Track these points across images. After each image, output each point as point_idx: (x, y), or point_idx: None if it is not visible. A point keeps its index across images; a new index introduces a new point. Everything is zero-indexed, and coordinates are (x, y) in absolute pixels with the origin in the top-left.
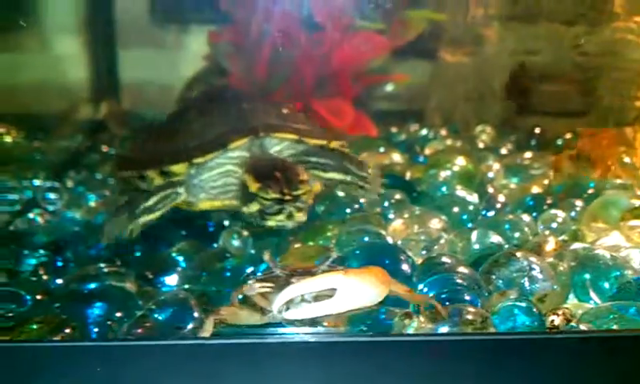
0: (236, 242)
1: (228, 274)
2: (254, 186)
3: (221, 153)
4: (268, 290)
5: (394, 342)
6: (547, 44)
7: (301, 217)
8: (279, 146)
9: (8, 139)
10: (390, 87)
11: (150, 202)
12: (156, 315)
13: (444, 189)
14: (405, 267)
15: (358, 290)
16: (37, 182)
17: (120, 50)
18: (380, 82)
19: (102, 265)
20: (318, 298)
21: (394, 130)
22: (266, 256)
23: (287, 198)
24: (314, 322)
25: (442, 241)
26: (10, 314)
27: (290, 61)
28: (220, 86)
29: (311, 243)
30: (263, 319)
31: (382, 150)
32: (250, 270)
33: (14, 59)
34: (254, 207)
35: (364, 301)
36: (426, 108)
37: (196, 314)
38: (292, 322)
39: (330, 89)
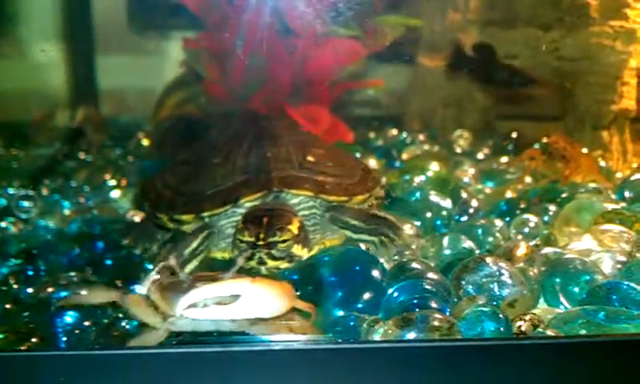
0: None
1: None
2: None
3: (232, 207)
4: (169, 294)
5: (366, 348)
6: (524, 48)
7: (278, 264)
8: (297, 199)
9: None
10: (369, 93)
11: (194, 244)
12: (124, 324)
13: (418, 194)
14: (375, 273)
15: (262, 299)
16: (11, 190)
17: (98, 57)
18: (355, 88)
19: (73, 273)
20: (220, 304)
21: (371, 135)
22: (172, 261)
23: (259, 243)
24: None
25: (414, 246)
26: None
27: (265, 67)
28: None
29: None
30: (161, 322)
31: (358, 155)
32: None
33: None
34: (235, 251)
35: (266, 311)
36: (404, 113)
37: None
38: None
39: (306, 95)
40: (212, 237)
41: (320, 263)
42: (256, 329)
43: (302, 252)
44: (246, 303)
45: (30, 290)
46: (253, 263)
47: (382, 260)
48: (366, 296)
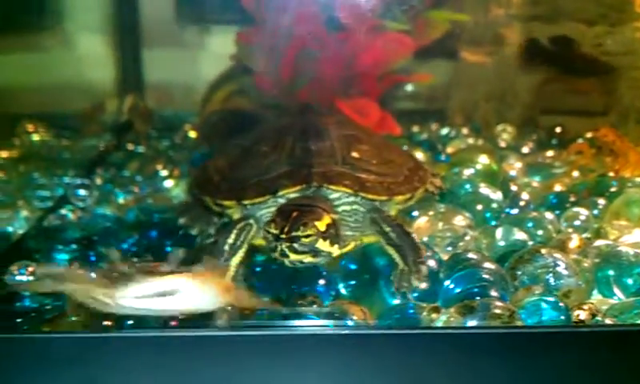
0: None
1: (258, 268)
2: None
3: (271, 197)
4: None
5: (415, 334)
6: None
7: (301, 258)
8: (338, 194)
9: (36, 137)
10: (410, 87)
11: (231, 238)
12: None
13: (467, 187)
14: (431, 263)
15: (197, 294)
16: (66, 179)
17: (145, 50)
18: (404, 81)
19: (135, 260)
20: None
21: (415, 129)
22: (114, 254)
23: (282, 236)
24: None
25: (468, 238)
26: (48, 308)
27: (315, 61)
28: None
29: None
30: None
31: (405, 148)
32: None
33: (41, 59)
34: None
35: (200, 305)
36: (447, 107)
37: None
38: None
39: (355, 88)
40: (249, 229)
41: (376, 253)
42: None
43: (330, 248)
44: (182, 297)
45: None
46: (276, 255)
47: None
48: (422, 285)
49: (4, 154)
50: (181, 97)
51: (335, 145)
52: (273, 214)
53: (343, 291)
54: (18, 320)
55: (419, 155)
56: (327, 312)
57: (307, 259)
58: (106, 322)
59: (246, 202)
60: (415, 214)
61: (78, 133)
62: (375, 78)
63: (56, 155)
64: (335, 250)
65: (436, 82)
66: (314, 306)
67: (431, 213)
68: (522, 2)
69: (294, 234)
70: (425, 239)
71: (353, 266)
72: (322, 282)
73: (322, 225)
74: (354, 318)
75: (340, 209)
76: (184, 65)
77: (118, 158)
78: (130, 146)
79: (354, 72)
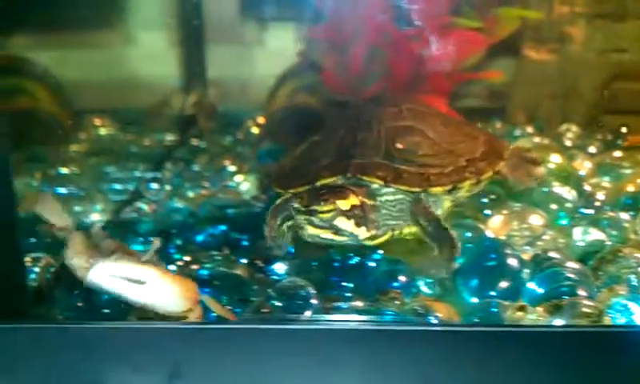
0: None
1: (336, 264)
2: None
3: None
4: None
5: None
6: (635, 42)
7: (319, 232)
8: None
9: (103, 131)
10: (471, 84)
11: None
12: (274, 301)
13: (540, 186)
14: (512, 262)
15: (164, 291)
16: (137, 173)
17: (209, 46)
18: (474, 79)
19: (215, 252)
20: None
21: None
22: (95, 229)
23: (302, 208)
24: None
25: (546, 237)
26: None
27: (385, 58)
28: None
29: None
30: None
31: None
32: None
33: (106, 55)
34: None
35: (164, 304)
36: (509, 105)
37: (314, 301)
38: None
39: (424, 86)
40: (288, 217)
41: None
42: None
43: (355, 229)
44: (148, 290)
45: (172, 268)
46: (296, 228)
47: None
48: (504, 284)
49: (74, 147)
50: (243, 93)
51: (381, 135)
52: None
53: (425, 289)
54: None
55: None
56: (410, 309)
57: (326, 235)
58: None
59: (290, 191)
60: (487, 212)
61: (142, 128)
62: (445, 75)
63: (124, 149)
64: (363, 233)
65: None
66: (396, 302)
67: (505, 211)
68: (587, 0)
69: (313, 207)
70: (502, 237)
71: None
72: (402, 278)
73: (345, 203)
74: (439, 315)
75: (383, 198)
76: (246, 61)
77: (183, 153)
78: (194, 142)
79: (424, 69)
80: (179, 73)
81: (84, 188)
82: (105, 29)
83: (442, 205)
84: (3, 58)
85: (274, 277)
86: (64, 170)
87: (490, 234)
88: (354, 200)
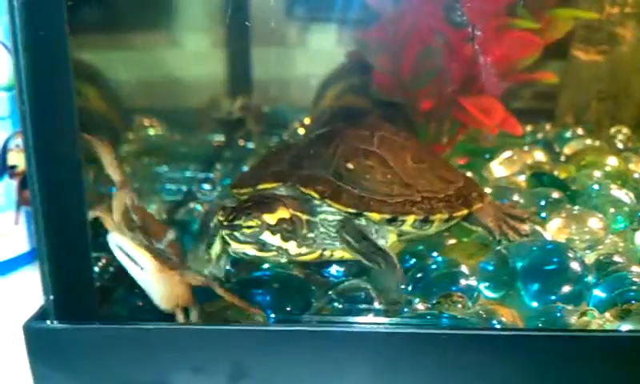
0: None
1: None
2: None
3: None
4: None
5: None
6: None
7: (243, 248)
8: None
9: (152, 132)
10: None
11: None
12: (336, 304)
13: (597, 188)
14: (574, 266)
15: (153, 286)
16: (188, 173)
17: (255, 47)
18: (527, 80)
19: None
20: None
21: (528, 128)
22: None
23: (225, 223)
24: None
25: (607, 241)
26: None
27: (438, 59)
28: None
29: (466, 240)
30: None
31: (526, 148)
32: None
33: (154, 56)
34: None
35: (152, 296)
36: (557, 107)
37: (376, 304)
38: None
39: (477, 87)
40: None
41: (515, 254)
42: None
43: (283, 244)
44: (144, 279)
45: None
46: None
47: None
48: (566, 288)
49: (124, 147)
50: (289, 94)
51: (337, 154)
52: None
53: (487, 293)
54: None
55: (539, 155)
56: (474, 313)
57: (251, 250)
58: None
59: (233, 192)
60: (543, 215)
61: (189, 129)
62: (498, 76)
63: (173, 150)
64: (293, 248)
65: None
66: (459, 306)
67: (564, 215)
68: (637, 1)
69: (236, 222)
70: (562, 241)
71: (489, 267)
72: (462, 282)
73: (272, 217)
74: (503, 319)
75: (322, 216)
76: (292, 62)
77: (231, 154)
78: (241, 143)
79: (478, 70)
80: (226, 74)
81: (137, 188)
82: (153, 30)
83: (387, 236)
84: None
85: (332, 278)
86: None
87: (548, 236)
88: (282, 213)
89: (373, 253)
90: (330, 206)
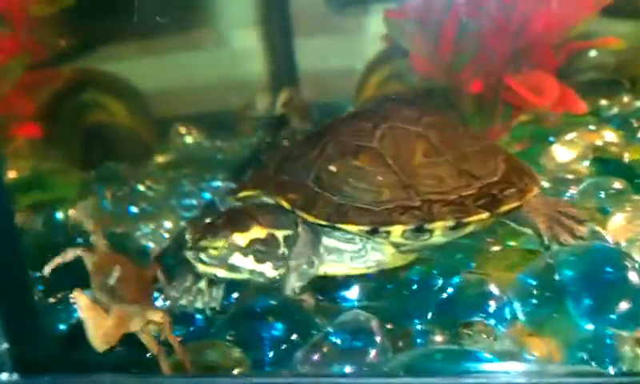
0: None
1: (415, 286)
2: None
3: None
4: None
5: None
6: None
7: (212, 270)
8: None
9: (189, 140)
10: (591, 55)
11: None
12: (334, 339)
13: None
14: (632, 276)
15: (88, 325)
16: (216, 184)
17: (297, 40)
18: (586, 48)
19: None
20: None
21: (603, 102)
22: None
23: (189, 244)
24: None
25: None
26: None
27: (479, 33)
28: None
29: (513, 243)
30: None
31: (591, 127)
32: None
33: (192, 58)
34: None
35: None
36: (637, 77)
37: (378, 340)
38: None
39: (527, 61)
40: None
41: (562, 264)
42: None
43: (257, 266)
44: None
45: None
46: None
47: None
48: (623, 306)
49: (159, 159)
50: (336, 85)
51: (324, 154)
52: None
53: (521, 316)
54: None
55: (610, 135)
56: (500, 347)
57: (222, 274)
58: None
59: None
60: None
61: (231, 132)
62: (551, 46)
63: (209, 158)
64: (269, 271)
65: (627, 46)
66: (484, 336)
67: (629, 209)
68: None
69: (201, 242)
70: (623, 243)
71: (531, 281)
72: (492, 303)
73: (242, 237)
74: (535, 354)
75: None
76: (339, 52)
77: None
78: (286, 143)
79: (525, 42)
80: (269, 70)
81: (157, 205)
82: (189, 30)
83: (381, 248)
84: (75, 72)
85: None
86: (140, 187)
87: (608, 237)
88: (257, 232)
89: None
90: (301, 217)
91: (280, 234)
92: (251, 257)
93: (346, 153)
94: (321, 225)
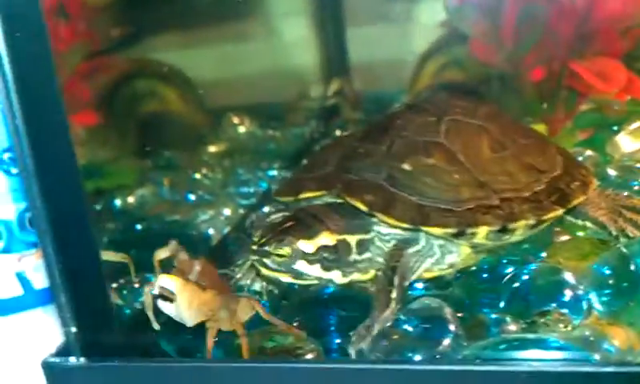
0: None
1: (485, 274)
2: None
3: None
4: None
5: None
6: None
7: (277, 275)
8: None
9: (242, 130)
10: None
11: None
12: (406, 327)
13: None
14: None
15: (183, 302)
16: (271, 173)
17: (348, 28)
18: None
19: None
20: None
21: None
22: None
23: (254, 247)
24: None
25: None
26: None
27: (542, 17)
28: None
29: (581, 234)
30: None
31: None
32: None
33: (242, 49)
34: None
35: (184, 315)
36: None
37: (452, 327)
38: None
39: (593, 47)
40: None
41: (637, 254)
42: None
43: (324, 274)
44: (176, 302)
45: None
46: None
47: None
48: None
49: (212, 148)
50: (390, 75)
51: (392, 151)
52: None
53: (598, 306)
54: None
55: None
56: (578, 336)
57: (287, 279)
58: None
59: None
60: None
61: (284, 122)
62: (618, 32)
63: (262, 147)
64: (338, 278)
65: None
66: (561, 325)
67: None
68: None
69: (267, 248)
70: None
71: (606, 271)
72: (567, 293)
73: (310, 244)
74: (616, 343)
75: (377, 229)
76: (392, 40)
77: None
78: (338, 133)
79: (591, 26)
80: (320, 60)
81: (214, 193)
82: (239, 20)
83: (457, 250)
84: (131, 61)
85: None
86: (197, 175)
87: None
88: (326, 239)
89: (384, 282)
90: (381, 220)
91: (353, 240)
92: (318, 265)
93: (417, 150)
94: (401, 228)
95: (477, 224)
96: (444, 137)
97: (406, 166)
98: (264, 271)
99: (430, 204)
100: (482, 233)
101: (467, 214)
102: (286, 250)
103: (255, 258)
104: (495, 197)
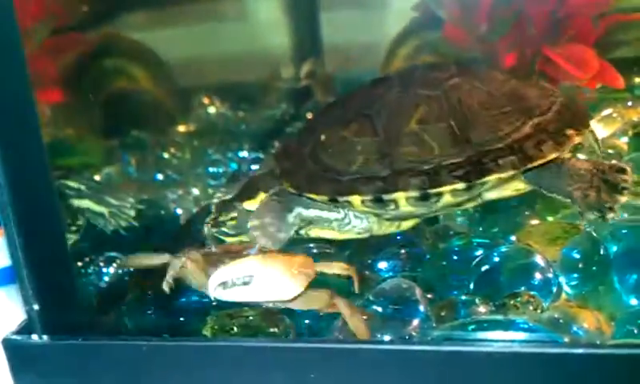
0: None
1: (455, 256)
2: None
3: None
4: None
5: None
6: None
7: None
8: None
9: (212, 110)
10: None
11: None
12: (375, 307)
13: None
14: None
15: (271, 278)
16: (241, 154)
17: (321, 10)
18: (630, 21)
19: (311, 245)
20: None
21: (638, 80)
22: (206, 230)
23: (211, 222)
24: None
25: None
26: None
27: (517, 2)
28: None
29: (551, 218)
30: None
31: (629, 103)
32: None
33: (214, 28)
34: None
35: (278, 291)
36: None
37: (422, 308)
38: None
39: (567, 32)
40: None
41: (607, 239)
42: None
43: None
44: (258, 284)
45: None
46: None
47: None
48: None
49: (181, 128)
50: (363, 58)
51: (327, 124)
52: None
53: (567, 288)
54: None
55: None
56: (548, 318)
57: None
58: None
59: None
60: None
61: (254, 104)
62: (591, 18)
63: (232, 128)
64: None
65: None
66: (530, 307)
67: None
68: None
69: (219, 218)
70: None
71: (574, 254)
72: (537, 275)
73: (252, 204)
74: (585, 326)
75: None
76: (364, 23)
77: (296, 128)
78: (309, 115)
79: (565, 12)
80: (293, 42)
81: (182, 173)
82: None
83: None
84: (99, 38)
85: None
86: (165, 155)
87: None
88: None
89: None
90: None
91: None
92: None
93: (341, 122)
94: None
95: (351, 192)
96: (379, 109)
97: (322, 138)
98: (228, 240)
99: (323, 173)
100: (355, 202)
101: (347, 184)
102: (235, 213)
103: (214, 230)
104: (386, 169)
